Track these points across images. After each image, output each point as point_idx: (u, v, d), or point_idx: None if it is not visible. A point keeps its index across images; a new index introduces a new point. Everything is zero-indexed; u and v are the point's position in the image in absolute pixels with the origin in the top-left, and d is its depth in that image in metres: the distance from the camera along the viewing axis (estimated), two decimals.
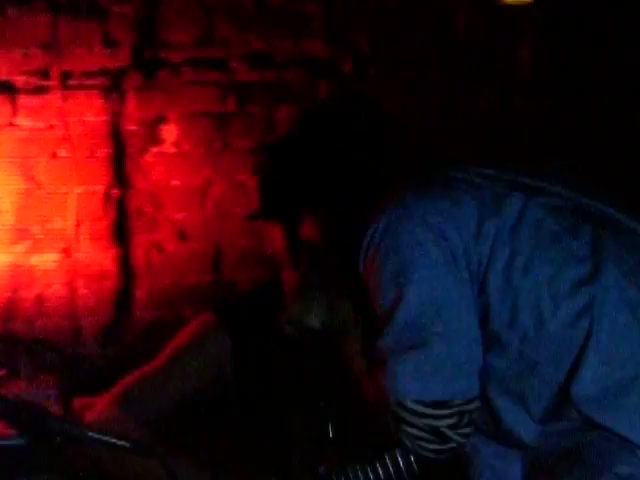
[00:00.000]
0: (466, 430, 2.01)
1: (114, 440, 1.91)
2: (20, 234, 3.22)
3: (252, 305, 2.81)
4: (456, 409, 1.98)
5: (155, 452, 2.02)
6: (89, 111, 3.20)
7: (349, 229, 2.25)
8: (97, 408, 2.67)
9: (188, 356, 2.75)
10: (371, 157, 2.28)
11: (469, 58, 3.36)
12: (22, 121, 3.17)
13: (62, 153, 3.19)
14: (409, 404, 1.99)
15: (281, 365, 2.75)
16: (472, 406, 1.99)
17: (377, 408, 2.11)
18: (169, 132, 3.26)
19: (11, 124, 3.17)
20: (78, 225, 3.23)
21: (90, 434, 1.96)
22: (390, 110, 2.42)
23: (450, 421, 1.99)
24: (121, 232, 3.27)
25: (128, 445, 1.92)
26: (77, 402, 2.77)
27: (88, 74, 3.18)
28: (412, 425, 2.01)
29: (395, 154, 2.30)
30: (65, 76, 3.16)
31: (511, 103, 3.37)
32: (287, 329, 2.53)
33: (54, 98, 3.15)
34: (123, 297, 3.29)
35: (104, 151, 3.23)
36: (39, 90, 3.17)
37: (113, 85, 3.21)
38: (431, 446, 2.02)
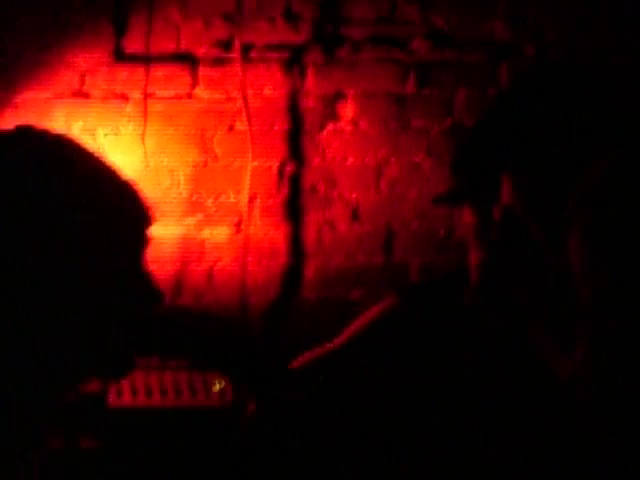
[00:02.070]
0: None
1: None
2: (193, 206, 3.21)
3: (435, 291, 2.75)
4: None
5: None
6: (268, 84, 3.18)
7: (555, 199, 2.13)
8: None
9: (372, 337, 2.71)
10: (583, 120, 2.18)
11: None
12: (201, 92, 3.16)
13: (239, 126, 3.17)
14: None
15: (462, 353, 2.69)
16: None
17: (573, 386, 2.02)
18: (347, 109, 3.21)
19: (190, 95, 3.16)
20: (251, 200, 3.20)
21: None
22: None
23: None
24: (294, 209, 3.24)
25: None
26: None
27: (269, 47, 3.16)
28: None
29: (605, 123, 2.20)
30: (246, 48, 3.14)
31: None
32: (472, 310, 2.45)
33: (234, 70, 3.13)
34: (292, 275, 3.25)
35: (281, 126, 3.20)
36: (219, 61, 3.16)
37: (293, 59, 3.17)
38: None
